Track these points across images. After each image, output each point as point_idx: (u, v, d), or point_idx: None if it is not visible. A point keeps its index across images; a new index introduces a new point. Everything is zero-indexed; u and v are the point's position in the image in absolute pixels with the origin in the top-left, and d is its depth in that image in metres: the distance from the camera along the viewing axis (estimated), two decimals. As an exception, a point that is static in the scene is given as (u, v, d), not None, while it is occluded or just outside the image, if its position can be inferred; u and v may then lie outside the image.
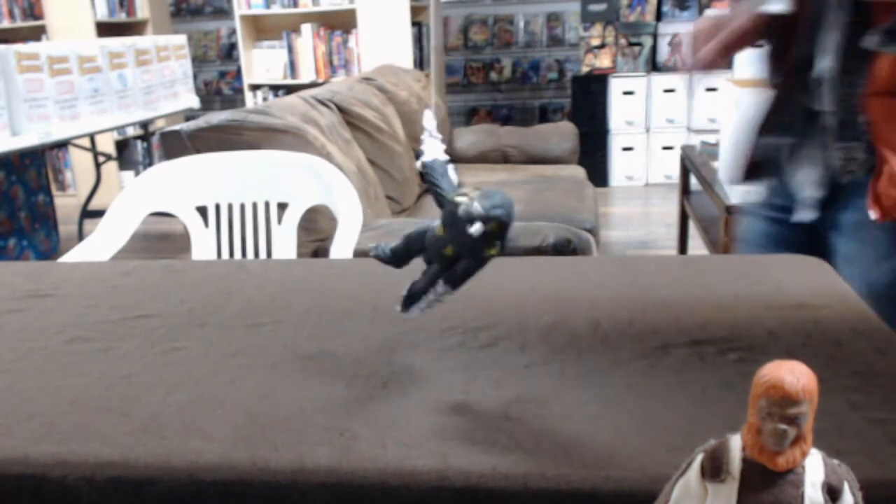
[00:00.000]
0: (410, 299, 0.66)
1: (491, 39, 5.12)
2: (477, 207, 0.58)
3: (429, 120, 0.66)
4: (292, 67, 4.38)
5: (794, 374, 0.37)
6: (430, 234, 0.64)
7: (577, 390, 0.64)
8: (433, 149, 0.64)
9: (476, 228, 0.58)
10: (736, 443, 0.40)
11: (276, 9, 4.27)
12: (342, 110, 2.55)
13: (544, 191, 2.84)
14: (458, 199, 0.60)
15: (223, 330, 0.80)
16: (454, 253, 0.62)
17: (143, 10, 4.86)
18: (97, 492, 0.56)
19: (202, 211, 1.58)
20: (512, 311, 0.81)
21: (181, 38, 3.52)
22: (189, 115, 3.61)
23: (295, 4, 4.25)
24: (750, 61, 3.15)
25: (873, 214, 0.94)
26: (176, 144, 1.70)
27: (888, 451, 0.53)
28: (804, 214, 1.04)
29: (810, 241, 1.06)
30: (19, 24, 4.76)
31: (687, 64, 1.01)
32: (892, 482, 0.50)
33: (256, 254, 1.57)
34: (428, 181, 0.63)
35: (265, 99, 4.44)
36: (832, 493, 0.40)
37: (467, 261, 0.62)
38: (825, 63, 0.95)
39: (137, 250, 3.78)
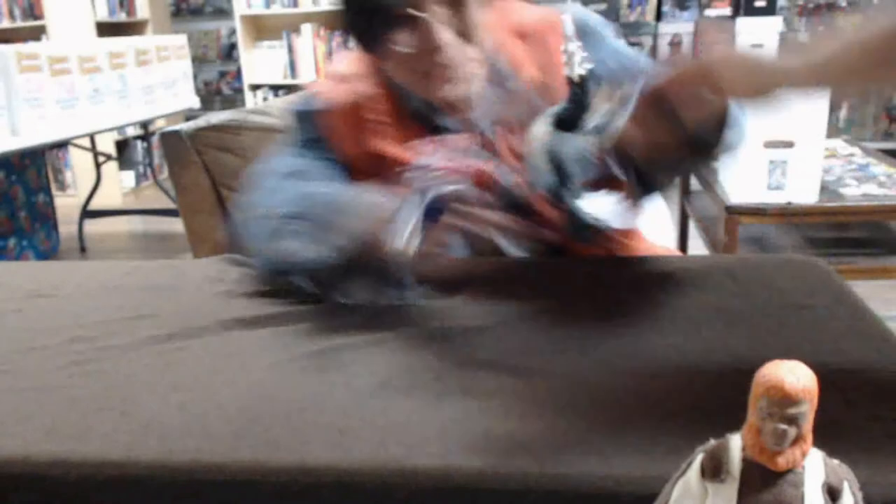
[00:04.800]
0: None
1: (491, 39, 5.12)
2: None
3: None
4: (292, 67, 4.38)
5: (794, 374, 0.37)
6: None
7: (577, 390, 0.64)
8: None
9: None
10: (736, 443, 0.40)
11: (276, 9, 4.27)
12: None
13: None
14: None
15: (223, 330, 0.80)
16: None
17: (143, 10, 4.86)
18: (97, 491, 0.56)
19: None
20: (512, 311, 0.81)
21: (181, 38, 3.52)
22: (189, 115, 3.61)
23: (295, 4, 4.25)
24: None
25: None
26: (176, 144, 1.69)
27: (888, 451, 0.53)
28: None
29: None
30: (19, 24, 4.75)
31: None
32: (891, 482, 0.50)
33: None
34: None
35: (265, 99, 4.44)
36: (832, 493, 0.40)
37: None
38: None
39: (137, 250, 3.78)
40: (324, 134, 1.03)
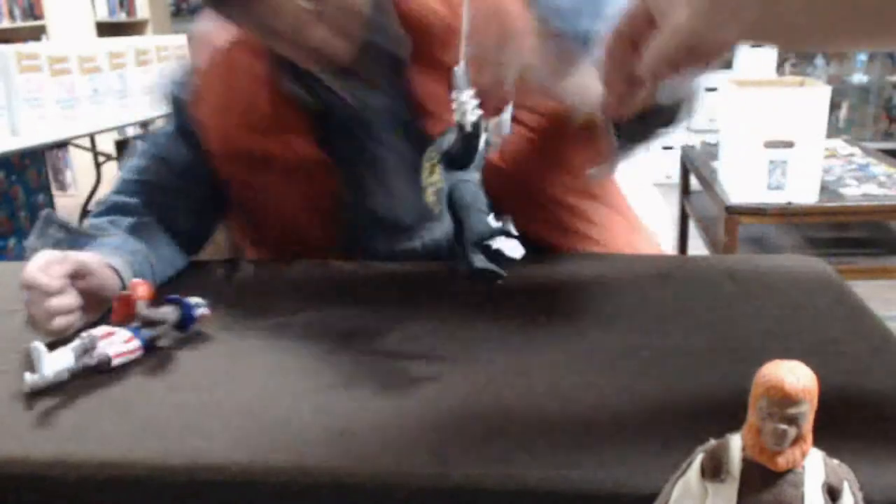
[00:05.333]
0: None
1: (491, 39, 5.11)
2: None
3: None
4: (292, 67, 4.37)
5: (794, 374, 0.37)
6: None
7: (577, 390, 0.64)
8: None
9: None
10: (736, 443, 0.40)
11: (276, 9, 4.27)
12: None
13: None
14: None
15: (222, 330, 0.80)
16: None
17: (143, 10, 4.86)
18: (97, 491, 0.56)
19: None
20: (511, 311, 0.81)
21: (181, 38, 3.52)
22: (189, 115, 3.60)
23: (295, 4, 4.24)
24: (751, 60, 3.16)
25: None
26: (176, 144, 1.70)
27: (888, 451, 0.53)
28: None
29: None
30: (19, 24, 4.76)
31: None
32: (891, 482, 0.50)
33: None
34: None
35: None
36: (832, 493, 0.40)
37: None
38: None
39: (137, 250, 3.77)
40: (195, 125, 1.00)
